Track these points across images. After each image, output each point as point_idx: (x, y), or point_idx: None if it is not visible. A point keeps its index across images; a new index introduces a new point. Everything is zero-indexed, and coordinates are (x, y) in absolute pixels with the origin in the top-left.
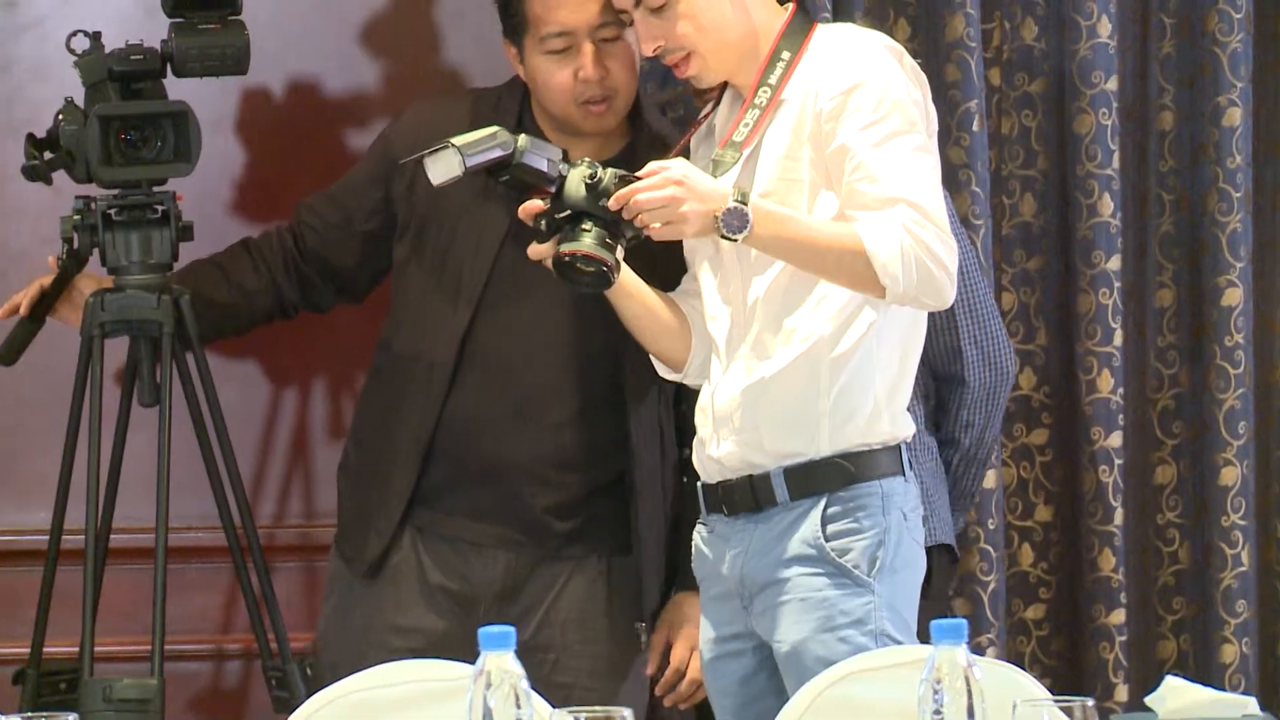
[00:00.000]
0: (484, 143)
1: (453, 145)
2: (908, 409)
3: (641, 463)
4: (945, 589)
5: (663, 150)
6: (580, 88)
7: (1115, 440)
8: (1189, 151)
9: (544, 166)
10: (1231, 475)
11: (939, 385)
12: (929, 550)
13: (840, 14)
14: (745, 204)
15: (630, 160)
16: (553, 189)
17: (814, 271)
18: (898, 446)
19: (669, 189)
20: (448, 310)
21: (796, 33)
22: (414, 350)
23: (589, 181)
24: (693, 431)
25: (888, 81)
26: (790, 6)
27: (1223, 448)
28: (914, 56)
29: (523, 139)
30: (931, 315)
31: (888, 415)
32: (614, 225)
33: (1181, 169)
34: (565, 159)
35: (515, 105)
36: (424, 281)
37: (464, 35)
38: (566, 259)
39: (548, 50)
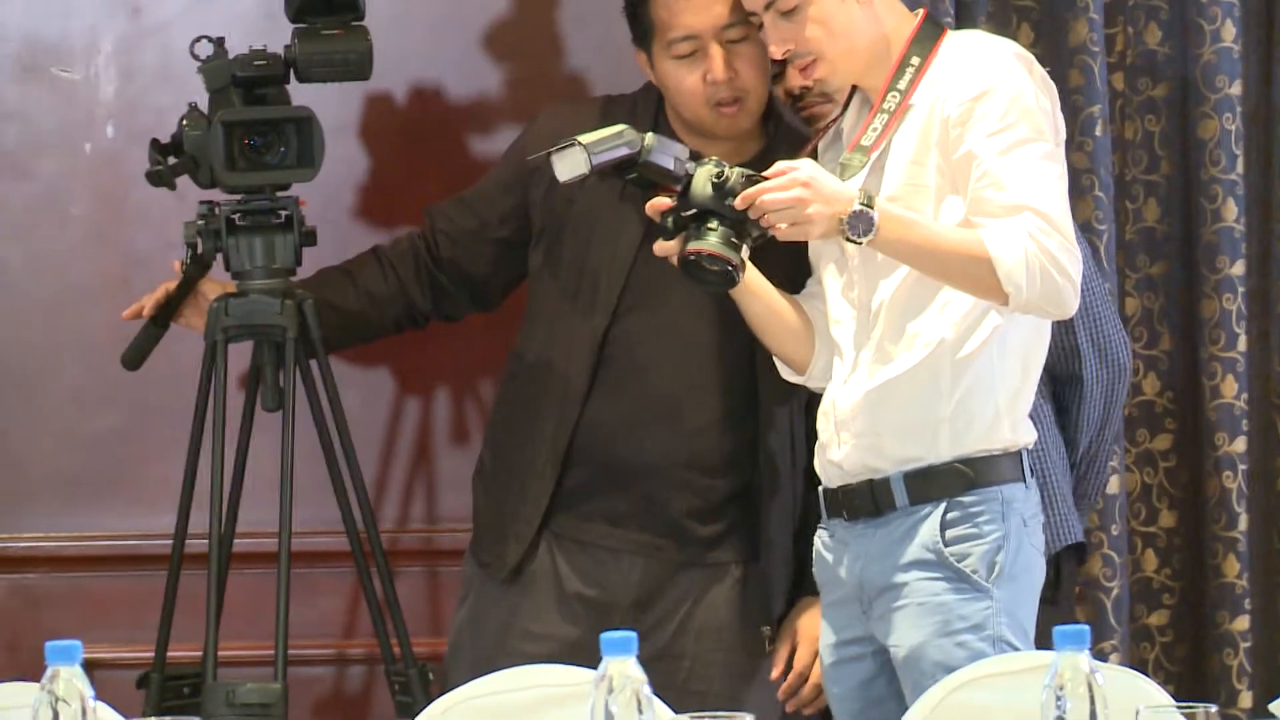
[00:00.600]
0: (610, 140)
1: (579, 143)
2: (1034, 409)
3: (775, 468)
4: (1072, 590)
5: (798, 152)
6: (710, 90)
7: (1239, 446)
8: None
9: (670, 165)
10: None
11: (1057, 385)
12: (1059, 553)
13: (963, 19)
14: (871, 207)
15: (765, 163)
16: (679, 187)
17: (937, 277)
18: (1019, 453)
19: (796, 190)
20: (584, 315)
21: (926, 39)
22: (550, 356)
23: (715, 180)
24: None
25: (1017, 89)
26: (921, 12)
27: None
28: (1037, 61)
29: (649, 137)
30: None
31: (1009, 421)
32: (740, 224)
33: None
34: (693, 157)
35: (651, 110)
36: (559, 287)
37: (587, 40)
38: (692, 257)
39: (676, 55)
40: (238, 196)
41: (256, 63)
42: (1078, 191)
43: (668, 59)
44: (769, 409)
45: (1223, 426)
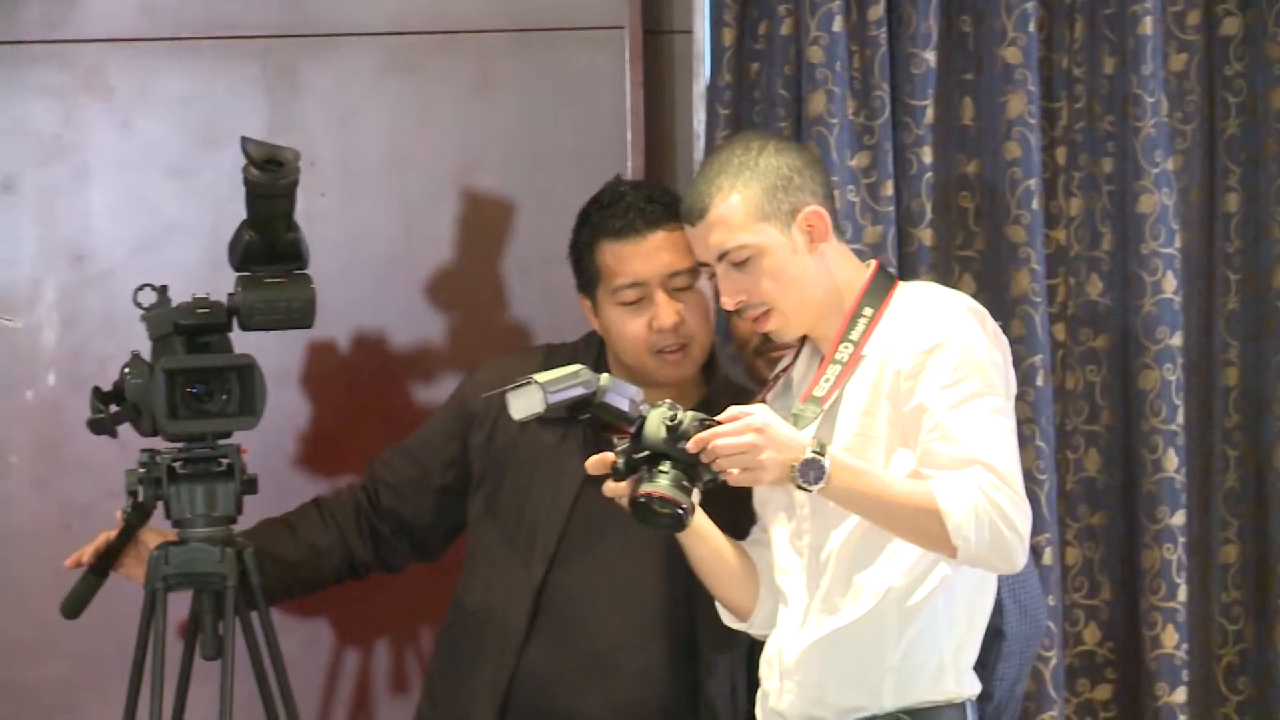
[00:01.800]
0: (566, 380)
1: (535, 381)
2: None
3: (715, 715)
4: None
5: (740, 401)
6: (655, 337)
7: (1179, 519)
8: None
9: (625, 406)
10: None
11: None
12: None
13: (906, 268)
14: (823, 455)
15: (709, 412)
16: (632, 429)
17: (887, 527)
18: (963, 704)
19: (749, 435)
20: (522, 564)
21: (879, 290)
22: (489, 604)
23: (669, 423)
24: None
25: (968, 343)
26: (873, 263)
27: None
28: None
29: (605, 378)
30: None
31: (953, 672)
32: (691, 468)
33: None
34: (646, 400)
35: (592, 358)
36: (498, 535)
37: (531, 289)
38: (642, 499)
39: (621, 301)
40: (179, 444)
41: (199, 311)
42: (1019, 441)
43: (612, 305)
44: (709, 656)
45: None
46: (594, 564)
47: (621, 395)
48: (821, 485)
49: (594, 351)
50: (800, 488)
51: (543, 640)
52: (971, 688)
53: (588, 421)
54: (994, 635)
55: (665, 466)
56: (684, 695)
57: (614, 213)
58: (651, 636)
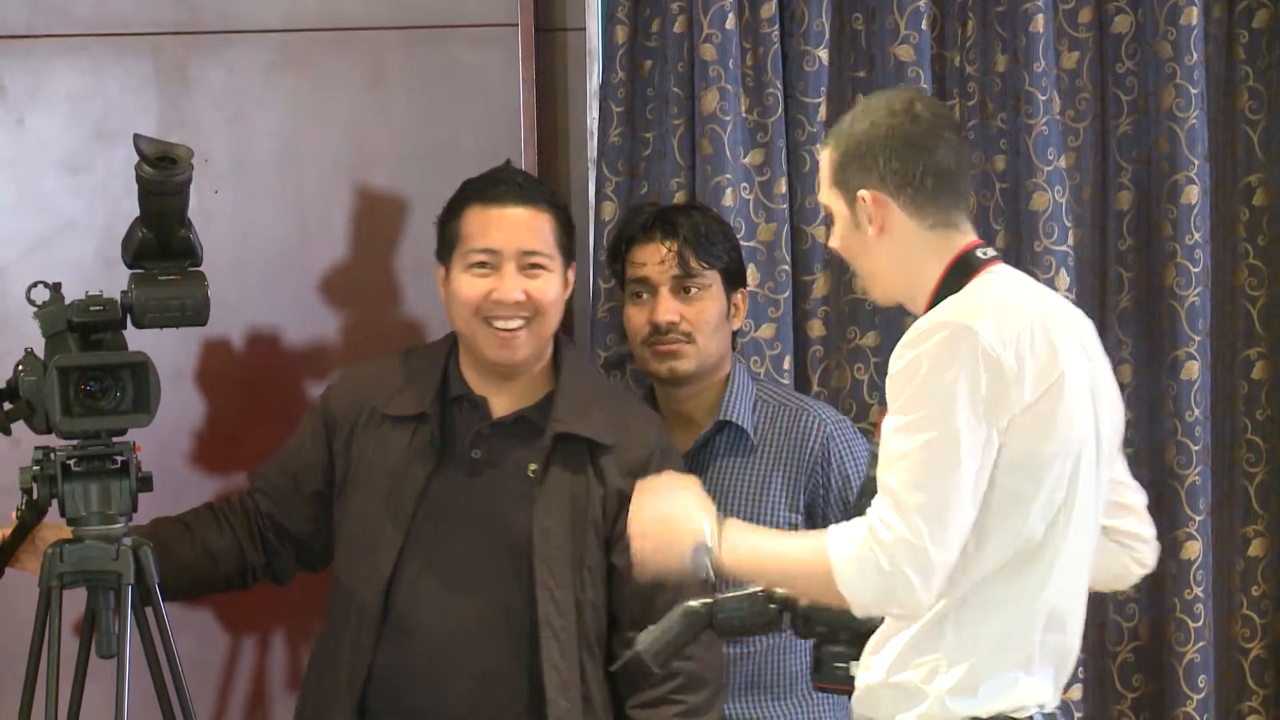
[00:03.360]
0: (678, 633)
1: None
2: None
3: (561, 716)
4: None
5: (582, 418)
6: (491, 306)
7: None
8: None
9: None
10: (1194, 549)
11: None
12: None
13: (800, 268)
14: (708, 545)
15: (546, 411)
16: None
17: (794, 593)
18: None
19: (637, 542)
20: (372, 565)
21: (944, 290)
22: (346, 608)
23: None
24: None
25: (915, 367)
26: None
27: (1185, 522)
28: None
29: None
30: None
31: None
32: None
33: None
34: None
35: (443, 357)
36: (353, 537)
37: (424, 287)
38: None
39: (471, 263)
40: (73, 442)
41: (93, 308)
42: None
43: (462, 270)
44: (550, 654)
45: None
46: (438, 562)
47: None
48: (710, 573)
49: (445, 350)
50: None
51: (391, 640)
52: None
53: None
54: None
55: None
56: (525, 693)
57: (490, 182)
58: (492, 634)
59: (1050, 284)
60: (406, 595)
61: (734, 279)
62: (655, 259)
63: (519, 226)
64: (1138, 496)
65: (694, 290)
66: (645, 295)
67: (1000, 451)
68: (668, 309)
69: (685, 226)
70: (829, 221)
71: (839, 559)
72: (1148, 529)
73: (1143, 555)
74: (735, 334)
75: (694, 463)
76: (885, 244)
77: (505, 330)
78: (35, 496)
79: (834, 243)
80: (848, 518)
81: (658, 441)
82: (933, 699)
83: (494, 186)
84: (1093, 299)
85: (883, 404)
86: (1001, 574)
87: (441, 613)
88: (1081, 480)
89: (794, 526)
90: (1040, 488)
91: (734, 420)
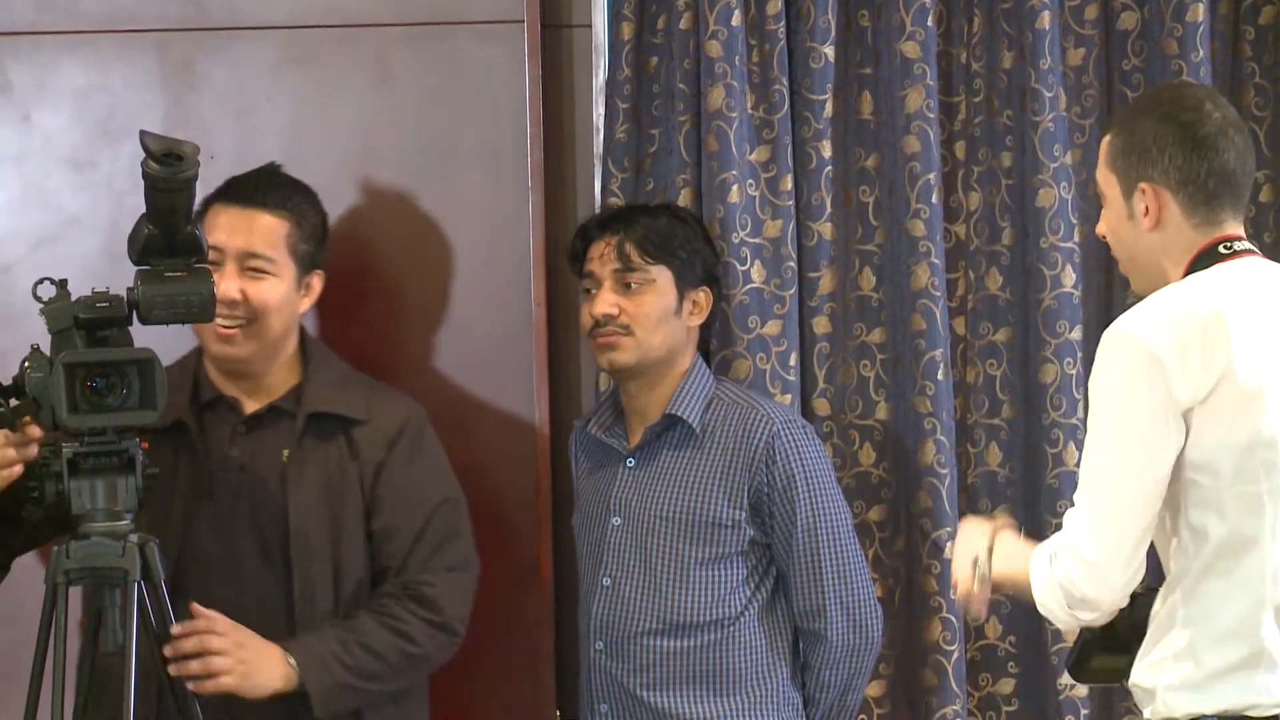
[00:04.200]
0: None
1: None
2: (771, 663)
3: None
4: None
5: (331, 399)
6: (220, 306)
7: None
8: None
9: None
10: None
11: (803, 642)
12: None
13: (806, 264)
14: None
15: (296, 399)
16: None
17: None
18: None
19: None
20: (170, 575)
21: None
22: None
23: None
24: None
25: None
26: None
27: None
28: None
29: None
30: (799, 570)
31: None
32: None
33: None
34: None
35: (193, 364)
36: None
37: (426, 281)
38: None
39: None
40: (79, 438)
41: (99, 304)
42: (923, 434)
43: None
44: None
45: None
46: (212, 565)
47: None
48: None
49: (193, 361)
50: None
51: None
52: None
53: None
54: (818, 641)
55: None
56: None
57: (237, 181)
58: (248, 619)
59: (1056, 280)
60: (194, 598)
61: (692, 278)
62: (598, 254)
63: (242, 228)
64: None
65: (634, 285)
66: (592, 290)
67: (1186, 447)
68: (605, 301)
69: (640, 225)
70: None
71: (1034, 576)
72: None
73: None
74: (706, 330)
75: (642, 456)
76: (1154, 237)
77: (222, 328)
78: (41, 493)
79: (1102, 228)
80: (792, 517)
81: (409, 414)
82: (1160, 698)
83: (237, 186)
84: (1099, 295)
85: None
86: (1216, 567)
87: (207, 601)
88: None
89: (735, 523)
90: (1233, 478)
91: (680, 415)
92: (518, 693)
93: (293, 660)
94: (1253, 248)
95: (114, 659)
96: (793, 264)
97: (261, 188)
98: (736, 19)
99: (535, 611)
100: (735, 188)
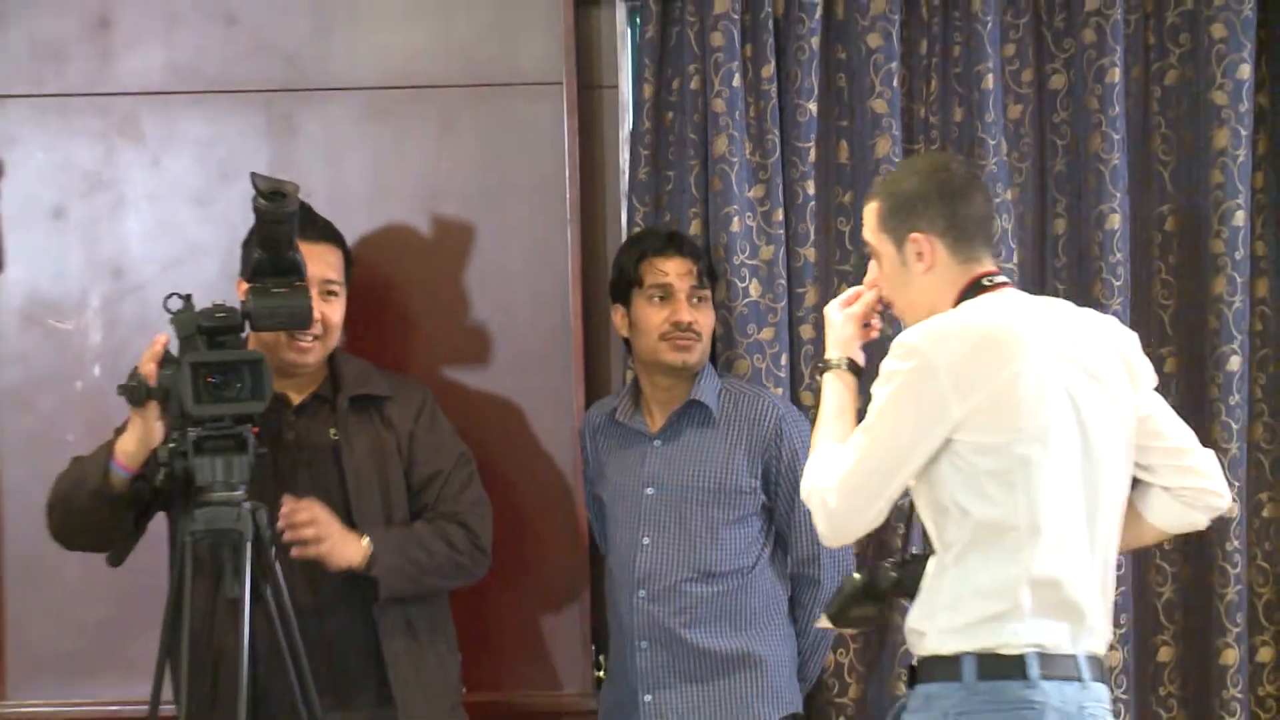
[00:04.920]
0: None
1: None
2: (773, 599)
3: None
4: None
5: (363, 384)
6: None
7: None
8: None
9: None
10: (1231, 656)
11: (796, 584)
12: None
13: (794, 281)
14: None
15: (334, 388)
16: None
17: None
18: None
19: None
20: None
21: None
22: None
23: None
24: None
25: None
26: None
27: None
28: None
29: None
30: (798, 527)
31: None
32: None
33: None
34: None
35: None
36: None
37: (488, 300)
38: None
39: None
40: (202, 424)
41: (218, 315)
42: None
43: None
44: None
45: None
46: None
47: None
48: None
49: None
50: None
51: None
52: None
53: None
54: (811, 585)
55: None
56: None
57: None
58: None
59: None
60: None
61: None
62: (679, 270)
63: (319, 260)
64: (1199, 460)
65: (700, 301)
66: (662, 298)
67: (957, 441)
68: (688, 311)
69: (704, 254)
70: (866, 257)
71: (806, 470)
72: (1215, 484)
73: (1211, 501)
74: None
75: (667, 436)
76: (928, 279)
77: (302, 343)
78: (173, 468)
79: (874, 278)
80: (794, 484)
81: (424, 392)
82: (931, 638)
83: (306, 223)
84: None
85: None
86: (979, 541)
87: (292, 586)
88: (1050, 463)
89: (753, 489)
90: (995, 470)
91: (703, 401)
92: (562, 631)
93: (367, 542)
94: (1008, 280)
95: (232, 602)
96: (783, 281)
97: (322, 225)
98: (737, 81)
99: (574, 565)
100: (736, 219)
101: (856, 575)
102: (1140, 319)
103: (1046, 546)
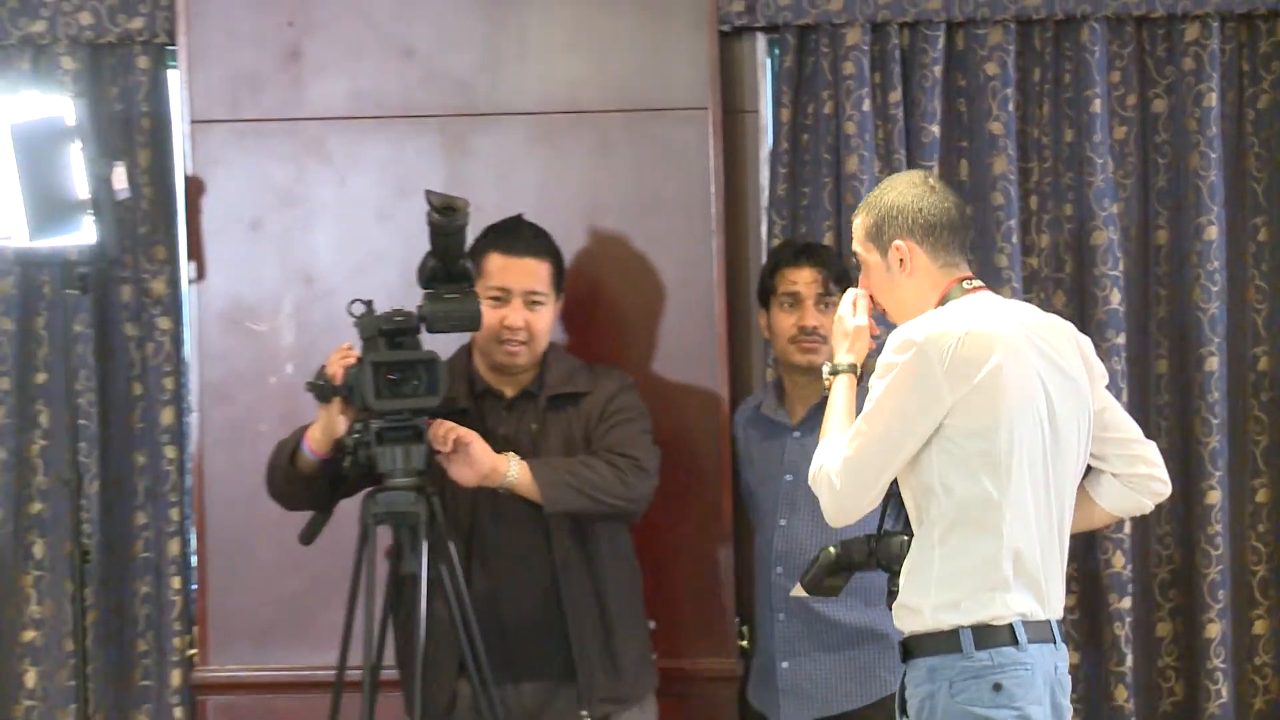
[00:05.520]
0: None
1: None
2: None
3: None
4: None
5: (563, 384)
6: (504, 331)
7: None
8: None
9: None
10: (1214, 630)
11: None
12: None
13: None
14: None
15: (540, 387)
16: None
17: None
18: None
19: None
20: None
21: None
22: None
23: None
24: None
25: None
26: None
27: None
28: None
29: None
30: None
31: None
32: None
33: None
34: None
35: (465, 356)
36: None
37: (642, 304)
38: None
39: (489, 297)
40: (383, 417)
41: (396, 318)
42: None
43: (485, 298)
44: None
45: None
46: (484, 526)
47: None
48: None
49: (464, 362)
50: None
51: (477, 575)
52: None
53: None
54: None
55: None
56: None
57: (507, 231)
58: (513, 549)
59: (1105, 300)
60: (478, 534)
61: None
62: (807, 279)
63: (525, 273)
64: (1146, 450)
65: (826, 307)
66: (792, 305)
67: (946, 426)
68: (815, 317)
69: (833, 263)
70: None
71: (817, 453)
72: (1159, 472)
73: (1156, 488)
74: None
75: (805, 428)
76: (911, 281)
77: (510, 349)
78: (358, 455)
79: (864, 284)
80: None
81: (620, 381)
82: (928, 614)
83: (511, 238)
84: (1139, 311)
85: None
86: (965, 518)
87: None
88: (1025, 445)
89: None
90: (980, 453)
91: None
92: (708, 601)
93: (516, 457)
94: (982, 284)
95: (410, 578)
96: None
97: (531, 239)
98: (867, 105)
99: (719, 541)
100: None
101: (832, 549)
102: (1235, 321)
103: (1021, 522)
